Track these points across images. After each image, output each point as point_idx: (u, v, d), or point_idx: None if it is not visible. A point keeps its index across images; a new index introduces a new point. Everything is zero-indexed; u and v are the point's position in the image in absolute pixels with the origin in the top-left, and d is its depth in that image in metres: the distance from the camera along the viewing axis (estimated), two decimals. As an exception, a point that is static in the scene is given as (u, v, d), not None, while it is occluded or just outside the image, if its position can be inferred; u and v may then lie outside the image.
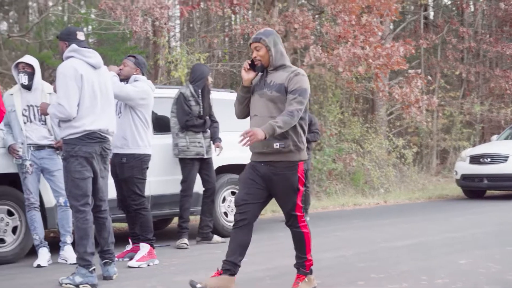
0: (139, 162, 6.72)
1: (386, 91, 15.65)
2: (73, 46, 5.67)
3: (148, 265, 6.53)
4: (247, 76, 4.97)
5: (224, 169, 8.56)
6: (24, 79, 6.71)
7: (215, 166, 8.32)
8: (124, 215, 7.09)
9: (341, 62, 14.29)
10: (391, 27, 20.53)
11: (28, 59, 6.81)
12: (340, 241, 8.18)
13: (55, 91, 6.09)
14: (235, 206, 5.06)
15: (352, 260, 6.68)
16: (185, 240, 7.71)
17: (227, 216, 8.54)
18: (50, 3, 15.39)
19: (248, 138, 4.61)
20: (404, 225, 9.78)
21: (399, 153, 17.55)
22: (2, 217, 6.86)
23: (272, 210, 11.97)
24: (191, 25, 18.49)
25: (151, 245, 6.65)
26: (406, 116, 16.62)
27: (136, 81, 6.79)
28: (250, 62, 4.97)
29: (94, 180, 5.69)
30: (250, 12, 16.35)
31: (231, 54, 18.00)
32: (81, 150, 5.55)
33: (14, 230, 6.94)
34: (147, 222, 6.70)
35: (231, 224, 8.40)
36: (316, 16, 17.43)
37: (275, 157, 4.90)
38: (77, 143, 5.55)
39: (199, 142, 7.76)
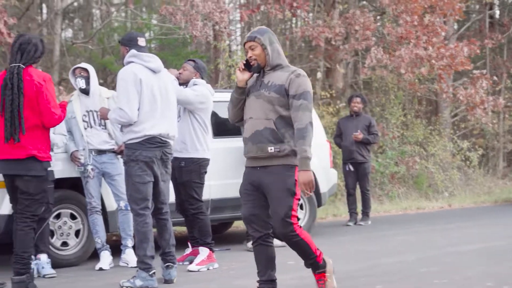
0: (198, 167, 6.72)
1: (450, 92, 15.35)
2: (133, 51, 5.73)
3: (208, 269, 6.53)
4: (242, 76, 4.66)
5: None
6: (82, 83, 6.80)
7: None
8: (183, 218, 7.10)
9: (403, 64, 14.09)
10: (455, 27, 20.12)
11: (83, 64, 6.92)
12: (402, 245, 8.02)
13: None
14: (245, 223, 4.83)
15: (414, 265, 6.52)
16: None
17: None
18: (113, 10, 15.63)
19: (308, 190, 4.49)
20: (469, 229, 9.54)
21: (464, 156, 17.16)
22: (65, 221, 6.97)
23: (334, 214, 11.87)
24: (251, 29, 18.52)
25: (210, 249, 6.65)
26: (471, 118, 16.27)
27: (195, 85, 6.80)
28: (245, 62, 4.66)
29: (154, 184, 5.72)
30: (310, 14, 16.27)
31: (291, 57, 17.94)
32: (142, 155, 5.58)
33: (77, 233, 7.04)
34: (205, 226, 6.70)
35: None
36: (378, 17, 17.23)
37: (270, 161, 4.59)
38: (138, 148, 5.59)
39: None
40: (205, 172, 6.82)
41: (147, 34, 16.29)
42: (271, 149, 4.54)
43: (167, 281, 5.80)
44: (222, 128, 8.10)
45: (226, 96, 8.23)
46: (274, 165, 4.56)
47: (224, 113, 8.04)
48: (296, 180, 4.54)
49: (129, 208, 6.83)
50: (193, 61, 7.03)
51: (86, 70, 6.88)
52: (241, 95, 4.72)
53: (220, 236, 9.48)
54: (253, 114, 4.62)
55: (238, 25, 19.17)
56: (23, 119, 5.20)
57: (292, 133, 4.55)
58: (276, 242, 7.84)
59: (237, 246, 8.07)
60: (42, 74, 5.38)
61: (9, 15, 10.72)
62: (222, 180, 7.89)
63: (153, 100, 5.68)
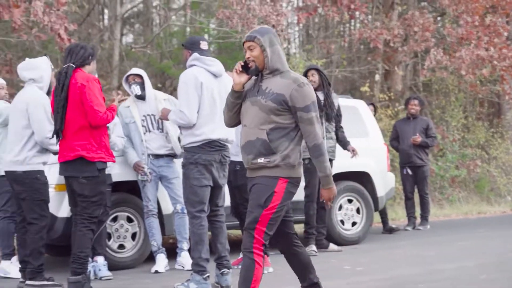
0: None
1: (513, 93, 14.98)
2: (195, 54, 5.75)
3: (263, 274, 6.48)
4: (239, 79, 4.26)
5: (341, 177, 8.41)
6: (137, 89, 6.86)
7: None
8: (238, 222, 7.09)
9: (464, 65, 13.84)
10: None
11: (136, 70, 6.98)
12: (462, 251, 7.82)
13: None
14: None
15: (475, 271, 6.35)
16: (314, 247, 7.63)
17: (343, 224, 8.39)
18: (171, 15, 15.78)
19: (329, 202, 4.32)
20: (532, 235, 9.27)
21: (527, 159, 16.73)
22: (122, 224, 7.04)
23: (392, 218, 11.69)
24: (310, 32, 18.44)
25: (265, 253, 6.60)
26: (535, 120, 15.85)
27: None
28: (243, 64, 4.26)
29: (213, 187, 5.74)
30: (369, 16, 16.11)
31: (349, 59, 17.80)
32: (201, 158, 5.61)
33: (133, 236, 7.11)
34: None
35: (347, 232, 8.34)
36: (438, 18, 16.95)
37: (261, 172, 4.21)
38: (197, 151, 5.61)
39: None
40: None
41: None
42: (261, 159, 4.18)
43: None
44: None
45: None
46: (260, 176, 4.22)
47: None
48: (275, 192, 4.13)
49: (185, 211, 6.87)
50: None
51: (139, 75, 6.94)
52: (237, 99, 4.35)
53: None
54: (247, 122, 4.27)
55: (297, 28, 19.11)
56: (64, 116, 5.39)
57: (287, 144, 4.18)
58: (332, 246, 7.80)
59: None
60: (86, 75, 5.50)
61: (69, 21, 10.91)
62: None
63: (213, 103, 5.70)
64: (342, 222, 8.40)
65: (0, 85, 7.08)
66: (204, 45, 5.88)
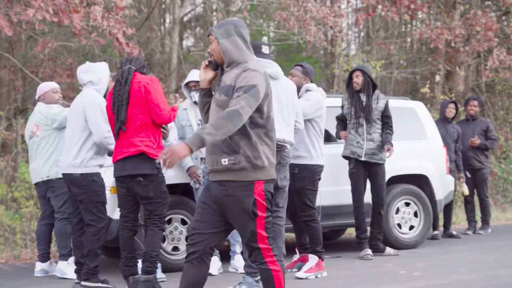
0: (311, 173, 6.62)
1: None
2: (253, 57, 5.71)
3: (316, 277, 6.42)
4: (204, 76, 4.04)
5: (398, 179, 8.27)
6: (196, 97, 6.85)
7: (388, 176, 8.08)
8: (291, 225, 7.03)
9: (528, 65, 13.45)
10: None
11: (195, 75, 6.97)
12: (524, 256, 7.59)
13: None
14: (187, 236, 4.22)
15: (535, 278, 6.14)
16: (369, 251, 7.50)
17: (400, 228, 8.23)
18: (229, 18, 15.83)
19: (166, 158, 3.55)
20: None
21: None
22: (176, 226, 7.07)
23: (452, 221, 11.41)
24: (370, 33, 18.24)
25: (320, 257, 6.54)
26: None
27: (308, 90, 6.71)
28: (210, 59, 4.03)
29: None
30: (431, 15, 15.84)
31: (409, 60, 17.53)
32: None
33: (187, 238, 7.11)
34: (316, 234, 6.58)
35: (405, 235, 8.18)
36: (502, 17, 16.54)
37: (226, 176, 3.86)
38: None
39: (358, 145, 7.54)
40: (319, 179, 6.72)
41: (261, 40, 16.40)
42: (224, 161, 3.84)
43: None
44: (332, 134, 7.99)
45: (337, 101, 8.11)
46: (229, 181, 3.86)
47: (332, 119, 7.94)
48: (256, 200, 3.84)
49: None
50: (300, 65, 6.94)
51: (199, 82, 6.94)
52: (204, 97, 4.12)
53: (332, 243, 9.35)
54: (210, 120, 4.00)
55: (356, 29, 18.94)
56: (125, 112, 5.45)
57: (250, 142, 3.85)
58: (388, 250, 7.65)
59: (348, 253, 7.91)
60: (148, 76, 5.62)
61: (128, 25, 11.05)
62: (333, 187, 7.77)
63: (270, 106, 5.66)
64: (399, 225, 8.24)
65: (54, 89, 7.20)
66: (265, 50, 5.88)
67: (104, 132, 5.86)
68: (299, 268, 6.68)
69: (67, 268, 6.83)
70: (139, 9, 14.22)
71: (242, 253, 6.40)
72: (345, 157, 7.62)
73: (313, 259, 6.51)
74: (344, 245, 9.03)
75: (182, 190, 7.14)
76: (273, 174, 3.95)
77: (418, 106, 8.94)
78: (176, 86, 13.28)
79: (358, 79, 7.59)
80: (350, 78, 7.74)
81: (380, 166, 7.62)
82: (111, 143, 5.86)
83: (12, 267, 7.69)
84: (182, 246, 7.07)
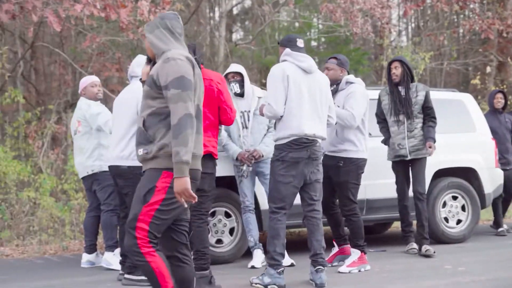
0: (355, 167, 6.56)
1: None
2: (287, 50, 5.75)
3: (359, 271, 6.38)
4: (144, 69, 4.23)
5: (445, 173, 8.14)
6: (236, 87, 6.87)
7: (434, 169, 7.97)
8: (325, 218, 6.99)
9: None
10: None
11: (235, 67, 6.98)
12: None
13: None
14: None
15: None
16: (414, 245, 7.38)
17: (447, 222, 8.10)
18: (275, 10, 15.80)
19: (186, 199, 3.69)
20: None
21: None
22: (220, 219, 7.11)
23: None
24: (421, 24, 18.01)
25: (362, 251, 6.49)
26: None
27: (348, 83, 6.63)
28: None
29: (304, 183, 5.72)
30: (483, 5, 15.53)
31: (460, 51, 17.23)
32: (288, 156, 5.59)
33: (231, 231, 7.17)
34: (358, 228, 6.53)
35: (452, 230, 8.06)
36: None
37: (144, 166, 3.92)
38: (285, 149, 5.61)
39: (399, 147, 7.38)
40: (362, 173, 6.66)
41: (308, 33, 16.33)
42: (140, 151, 3.88)
43: (319, 286, 5.66)
44: (377, 127, 7.87)
45: (377, 93, 8.02)
46: (146, 170, 3.90)
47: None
48: (156, 187, 3.78)
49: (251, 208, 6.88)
50: (335, 58, 6.86)
51: (238, 73, 6.95)
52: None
53: (377, 237, 9.28)
54: (169, 138, 3.88)
55: (405, 20, 18.71)
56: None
57: (165, 131, 3.82)
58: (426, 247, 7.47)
59: (394, 248, 7.83)
60: (218, 74, 5.57)
61: (175, 19, 11.11)
62: (378, 180, 7.70)
63: (301, 98, 5.65)
64: (446, 219, 8.11)
65: (92, 83, 7.23)
66: (300, 43, 5.87)
67: None
68: (340, 261, 6.65)
69: (112, 259, 6.92)
70: (186, 3, 14.29)
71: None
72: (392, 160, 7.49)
73: (355, 253, 6.47)
74: (390, 239, 8.94)
75: (227, 183, 7.16)
76: (194, 164, 3.87)
77: (467, 98, 8.78)
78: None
79: (396, 71, 7.35)
80: (389, 70, 7.52)
81: (421, 159, 7.36)
82: None
83: (60, 258, 7.84)
84: (226, 239, 7.12)
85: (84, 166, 7.08)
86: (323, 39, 16.14)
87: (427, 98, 7.35)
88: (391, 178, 7.68)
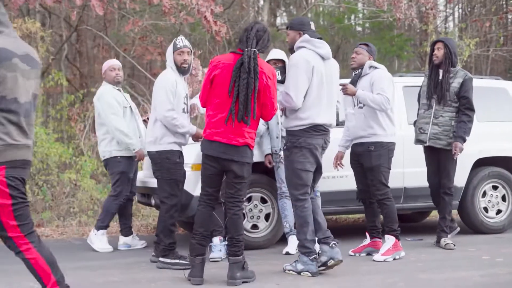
0: (386, 151, 6.50)
1: None
2: (306, 36, 5.65)
3: (394, 259, 6.32)
4: None
5: (485, 162, 8.00)
6: (277, 74, 6.81)
7: (475, 158, 7.84)
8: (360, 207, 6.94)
9: None
10: None
11: (277, 54, 6.93)
12: None
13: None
14: None
15: None
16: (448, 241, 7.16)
17: (487, 212, 7.97)
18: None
19: None
20: None
21: None
22: (256, 204, 7.12)
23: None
24: (468, 9, 17.68)
25: (396, 237, 6.42)
26: None
27: (372, 67, 6.53)
28: None
29: (315, 171, 5.71)
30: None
31: (506, 38, 16.86)
32: (306, 142, 5.56)
33: (266, 217, 7.17)
34: (391, 213, 6.46)
35: (491, 220, 7.93)
36: None
37: None
38: (302, 135, 5.57)
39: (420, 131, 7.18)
40: (392, 157, 6.58)
41: (353, 18, 16.16)
42: None
43: (336, 261, 5.58)
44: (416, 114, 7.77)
45: (417, 81, 7.92)
46: None
47: (416, 99, 7.76)
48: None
49: (318, 194, 6.83)
50: (366, 44, 6.76)
51: (280, 60, 6.91)
52: None
53: (415, 225, 9.19)
54: None
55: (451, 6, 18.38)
56: (255, 104, 5.24)
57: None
58: (445, 240, 7.28)
59: (431, 237, 7.73)
60: (270, 68, 5.37)
61: (217, 3, 11.13)
62: (417, 168, 7.60)
63: (321, 87, 5.62)
64: (486, 209, 7.98)
65: (110, 67, 7.29)
66: (313, 26, 5.81)
67: (163, 111, 5.95)
68: (368, 253, 6.60)
69: (94, 238, 7.12)
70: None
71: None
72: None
73: (390, 239, 6.40)
74: (428, 227, 8.84)
75: (263, 169, 7.16)
76: (18, 155, 3.78)
77: (511, 86, 8.60)
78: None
79: (438, 52, 7.02)
80: (432, 51, 7.18)
81: (446, 151, 7.03)
82: (176, 124, 5.95)
83: (99, 240, 7.94)
84: (262, 224, 7.13)
85: (101, 152, 7.24)
86: (367, 25, 15.98)
87: (464, 86, 6.95)
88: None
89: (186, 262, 5.93)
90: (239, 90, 5.16)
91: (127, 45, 13.89)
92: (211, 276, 5.54)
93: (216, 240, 6.57)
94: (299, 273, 5.58)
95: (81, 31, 14.09)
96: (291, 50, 5.79)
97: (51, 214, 9.42)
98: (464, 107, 6.96)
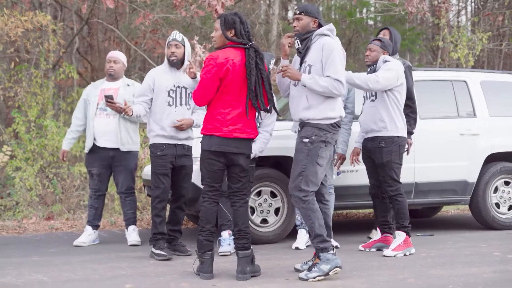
0: (397, 146, 6.44)
1: None
2: (331, 25, 5.41)
3: (405, 255, 6.28)
4: None
5: (497, 157, 7.94)
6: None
7: (487, 153, 7.78)
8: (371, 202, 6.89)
9: None
10: None
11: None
12: None
13: None
14: None
15: None
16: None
17: (498, 208, 7.91)
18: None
19: None
20: None
21: None
22: (265, 198, 7.09)
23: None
24: (481, 3, 17.54)
25: (407, 233, 6.38)
26: None
27: (386, 61, 6.46)
28: None
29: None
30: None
31: (519, 32, 16.72)
32: (331, 138, 5.35)
33: (276, 211, 7.14)
34: (403, 209, 6.42)
35: (503, 216, 7.87)
36: None
37: None
38: (330, 130, 5.31)
39: None
40: (403, 152, 6.53)
41: (365, 12, 16.08)
42: None
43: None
44: (427, 109, 7.71)
45: (428, 75, 7.88)
46: None
47: (427, 93, 7.70)
48: None
49: (332, 190, 6.80)
50: (379, 40, 6.69)
51: None
52: None
53: (426, 220, 9.13)
54: None
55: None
56: (265, 95, 5.31)
57: None
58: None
59: (442, 232, 7.70)
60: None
61: (228, -3, 11.07)
62: (428, 163, 7.56)
63: None
64: (497, 205, 7.92)
65: (107, 58, 7.27)
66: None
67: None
68: (378, 249, 6.55)
69: (86, 234, 7.14)
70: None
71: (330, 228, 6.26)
72: None
73: (400, 235, 6.36)
74: (439, 223, 8.79)
75: (272, 163, 7.13)
76: None
77: (523, 81, 8.53)
78: (276, 58, 13.22)
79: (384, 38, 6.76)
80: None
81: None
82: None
83: (108, 233, 7.95)
84: (271, 219, 7.10)
85: None
86: (378, 18, 15.89)
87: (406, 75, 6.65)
88: (441, 161, 7.57)
89: (165, 256, 6.11)
90: (257, 85, 5.19)
91: (138, 38, 13.86)
92: (220, 270, 5.52)
93: (225, 234, 6.55)
94: (327, 273, 5.18)
95: (92, 24, 14.08)
96: (298, 35, 5.41)
97: (61, 207, 9.44)
98: (409, 101, 6.77)
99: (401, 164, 6.47)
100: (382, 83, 6.22)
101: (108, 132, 6.97)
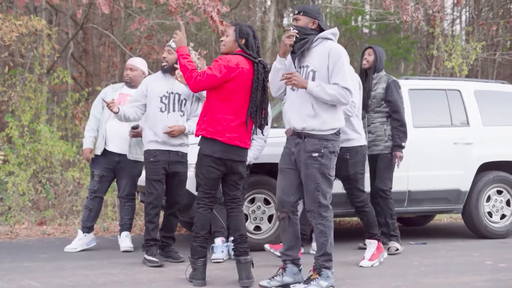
0: (362, 156, 6.39)
1: None
2: (335, 30, 5.23)
3: (379, 262, 6.23)
4: None
5: (490, 166, 7.95)
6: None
7: (480, 162, 7.80)
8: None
9: None
10: None
11: None
12: None
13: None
14: None
15: None
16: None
17: (491, 216, 7.92)
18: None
19: None
20: None
21: None
22: (259, 206, 7.09)
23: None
24: (476, 13, 17.61)
25: (378, 239, 6.34)
26: None
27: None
28: None
29: None
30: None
31: (512, 42, 16.81)
32: (337, 146, 5.20)
33: (269, 218, 7.13)
34: (372, 218, 6.36)
35: (495, 225, 7.89)
36: None
37: None
38: (335, 139, 5.15)
39: None
40: (365, 161, 6.51)
41: (359, 19, 16.12)
42: None
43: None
44: (421, 118, 7.72)
45: (422, 83, 7.92)
46: None
47: (421, 102, 7.72)
48: None
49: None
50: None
51: None
52: None
53: (419, 229, 9.14)
54: None
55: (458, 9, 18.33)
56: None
57: None
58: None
59: (435, 241, 7.71)
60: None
61: (223, 3, 11.10)
62: (421, 172, 7.57)
63: None
64: (490, 214, 7.94)
65: (125, 66, 7.27)
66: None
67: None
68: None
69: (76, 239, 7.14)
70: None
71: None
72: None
73: (373, 243, 6.29)
74: (432, 231, 8.81)
75: (266, 170, 7.13)
76: None
77: (516, 90, 8.56)
78: (270, 65, 13.25)
79: (369, 57, 6.93)
80: (362, 57, 7.05)
81: (383, 156, 6.96)
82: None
83: (101, 239, 7.90)
84: (264, 226, 7.09)
85: None
86: (373, 26, 15.94)
87: (388, 90, 6.90)
88: (434, 170, 7.59)
89: (157, 263, 6.11)
90: (262, 99, 5.22)
91: (133, 44, 13.86)
92: (213, 277, 5.51)
93: (219, 241, 6.54)
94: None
95: (87, 30, 14.07)
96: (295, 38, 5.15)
97: (54, 213, 9.41)
98: (392, 111, 6.91)
99: (364, 173, 6.46)
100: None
101: (119, 138, 6.96)
